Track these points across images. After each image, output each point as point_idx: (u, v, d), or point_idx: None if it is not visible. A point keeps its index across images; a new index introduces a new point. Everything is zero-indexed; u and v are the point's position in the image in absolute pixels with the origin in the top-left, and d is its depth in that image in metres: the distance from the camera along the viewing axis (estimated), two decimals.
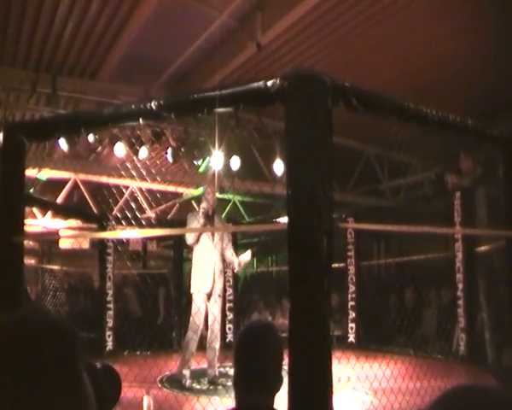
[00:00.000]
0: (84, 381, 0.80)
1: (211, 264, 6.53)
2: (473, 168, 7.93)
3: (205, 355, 6.81)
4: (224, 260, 6.75)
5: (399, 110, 4.08)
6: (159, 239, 12.85)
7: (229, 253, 6.70)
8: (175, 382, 6.53)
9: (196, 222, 6.58)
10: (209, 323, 6.59)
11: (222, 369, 7.07)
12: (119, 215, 9.61)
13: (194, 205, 12.20)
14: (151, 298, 10.43)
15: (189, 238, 6.67)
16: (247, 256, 6.72)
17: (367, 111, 3.73)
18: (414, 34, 7.31)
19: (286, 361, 2.76)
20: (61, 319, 0.83)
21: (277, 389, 2.05)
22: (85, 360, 0.82)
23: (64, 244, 11.73)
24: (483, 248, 7.18)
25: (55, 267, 12.38)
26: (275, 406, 2.04)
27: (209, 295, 6.55)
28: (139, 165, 9.05)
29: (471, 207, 7.52)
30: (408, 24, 7.10)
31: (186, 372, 6.53)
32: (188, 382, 6.49)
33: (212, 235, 6.62)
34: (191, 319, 6.55)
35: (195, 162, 9.59)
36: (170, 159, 9.14)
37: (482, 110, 7.44)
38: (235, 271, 6.70)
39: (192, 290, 6.62)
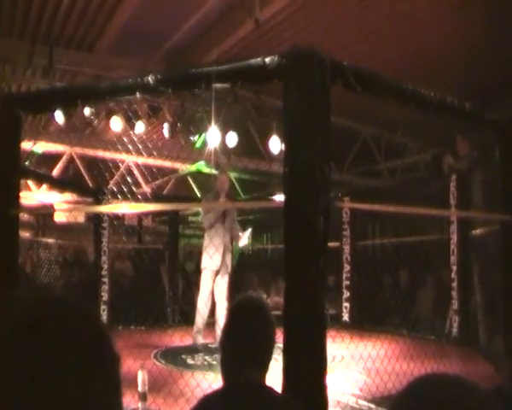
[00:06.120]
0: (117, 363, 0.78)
1: (221, 243, 6.85)
2: (469, 151, 7.90)
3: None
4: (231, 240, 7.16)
5: (397, 91, 4.06)
6: (154, 214, 12.85)
7: (237, 228, 7.09)
8: (170, 357, 6.57)
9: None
10: (216, 299, 6.90)
11: (214, 345, 7.12)
12: (114, 189, 9.59)
13: (190, 181, 12.19)
14: (148, 273, 10.38)
15: (206, 222, 6.97)
16: (247, 235, 7.10)
17: (365, 91, 3.70)
18: (414, 14, 7.24)
19: (280, 339, 2.77)
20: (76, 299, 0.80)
21: (268, 366, 2.04)
22: None
23: (59, 218, 11.71)
24: (478, 231, 7.19)
25: (50, 241, 12.34)
26: (269, 383, 2.04)
27: (217, 272, 6.91)
28: (135, 139, 9.00)
29: (467, 191, 7.51)
30: (409, 4, 7.04)
31: (198, 337, 6.88)
32: (199, 343, 6.84)
33: (224, 216, 6.92)
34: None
35: (192, 138, 9.55)
36: (166, 134, 9.11)
37: (479, 94, 7.41)
38: (240, 246, 7.27)
39: (202, 267, 6.96)
